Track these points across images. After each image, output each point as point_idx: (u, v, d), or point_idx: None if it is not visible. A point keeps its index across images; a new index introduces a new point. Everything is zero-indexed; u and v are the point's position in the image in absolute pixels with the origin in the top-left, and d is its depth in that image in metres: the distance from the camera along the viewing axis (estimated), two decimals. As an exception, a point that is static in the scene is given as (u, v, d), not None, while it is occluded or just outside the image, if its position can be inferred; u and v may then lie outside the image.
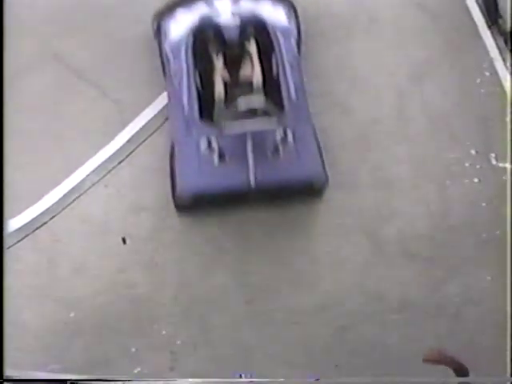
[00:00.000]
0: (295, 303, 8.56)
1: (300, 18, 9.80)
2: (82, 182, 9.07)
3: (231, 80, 8.87)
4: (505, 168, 9.52)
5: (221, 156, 8.57)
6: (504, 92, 10.03)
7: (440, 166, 9.40)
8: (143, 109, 9.51)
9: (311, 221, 9.08)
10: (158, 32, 9.51)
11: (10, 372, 5.43)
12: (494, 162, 9.55)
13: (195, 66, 8.99)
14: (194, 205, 8.76)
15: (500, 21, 10.44)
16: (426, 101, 9.83)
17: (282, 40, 9.17)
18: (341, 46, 10.13)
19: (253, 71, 8.81)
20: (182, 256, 8.79)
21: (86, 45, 9.87)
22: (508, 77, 10.09)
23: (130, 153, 9.28)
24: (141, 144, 9.34)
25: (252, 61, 8.89)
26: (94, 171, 9.13)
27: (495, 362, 8.35)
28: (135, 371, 8.20)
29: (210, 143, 8.56)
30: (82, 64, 9.76)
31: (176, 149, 8.77)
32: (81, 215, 8.98)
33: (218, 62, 8.91)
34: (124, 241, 8.83)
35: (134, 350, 8.33)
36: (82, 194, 9.04)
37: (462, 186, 9.35)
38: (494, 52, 10.35)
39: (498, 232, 9.09)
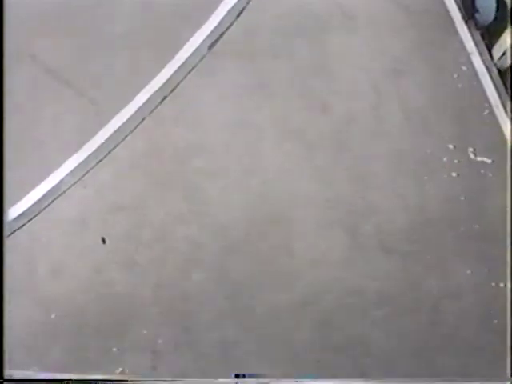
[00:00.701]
0: (275, 299, 8.58)
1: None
2: (60, 183, 9.03)
3: None
4: (483, 162, 9.55)
5: None
6: (481, 86, 10.07)
7: (417, 161, 9.42)
8: (120, 108, 9.47)
9: (289, 216, 9.10)
10: None
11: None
12: (471, 156, 9.58)
13: None
14: None
15: (477, 15, 10.46)
16: (402, 96, 9.84)
17: None
18: (316, 43, 10.11)
19: None
20: (160, 255, 8.80)
21: (62, 45, 9.80)
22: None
23: (108, 153, 9.25)
24: (119, 144, 9.32)
25: None
26: (71, 172, 9.09)
27: (476, 355, 8.45)
28: (117, 371, 8.21)
29: None
30: (58, 64, 9.70)
31: None
32: (59, 216, 8.94)
33: None
34: (104, 241, 8.82)
35: (115, 350, 8.33)
36: (60, 195, 9.00)
37: (440, 180, 9.38)
38: (470, 46, 10.36)
39: (477, 226, 9.14)
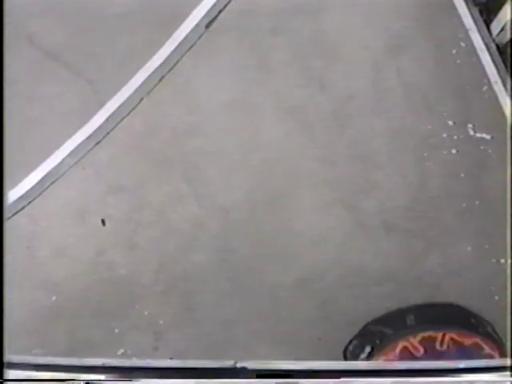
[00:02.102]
0: (277, 278, 8.58)
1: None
2: (59, 165, 8.98)
3: None
4: (482, 138, 9.54)
5: None
6: (480, 62, 10.03)
7: (417, 138, 9.38)
8: (119, 89, 9.40)
9: (290, 196, 9.07)
10: None
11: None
12: (471, 132, 9.56)
13: None
14: None
15: (475, -9, 10.47)
16: (401, 73, 9.79)
17: None
18: (316, 21, 10.03)
19: None
20: (161, 235, 8.79)
21: (60, 25, 9.73)
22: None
23: (107, 133, 9.22)
24: (118, 124, 9.29)
25: None
26: (70, 154, 9.03)
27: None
28: (119, 352, 8.22)
29: None
30: (56, 45, 9.63)
31: None
32: (59, 199, 8.92)
33: None
34: (103, 222, 8.81)
35: (116, 331, 8.33)
36: (59, 178, 8.97)
37: (440, 157, 9.35)
38: (468, 23, 10.29)
39: (477, 202, 9.12)
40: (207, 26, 9.86)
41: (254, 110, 9.46)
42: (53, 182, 8.97)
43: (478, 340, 8.42)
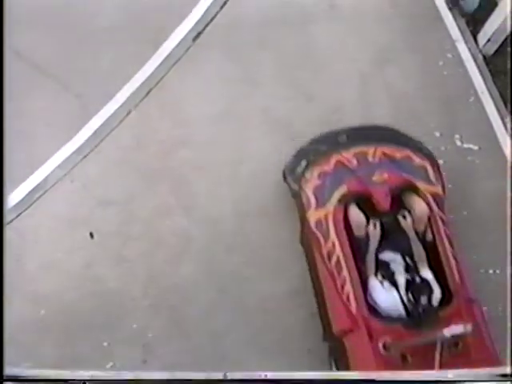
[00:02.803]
0: (266, 290, 8.61)
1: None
2: (47, 177, 8.97)
3: None
4: (470, 148, 9.57)
5: None
6: (466, 73, 10.08)
7: (404, 149, 9.41)
8: (106, 102, 9.42)
9: (277, 206, 9.09)
10: None
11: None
12: (458, 143, 9.61)
13: None
14: None
15: (461, 3, 10.49)
16: (388, 85, 9.84)
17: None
18: (302, 34, 10.08)
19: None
20: (150, 248, 8.79)
21: (47, 40, 9.72)
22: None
23: (95, 146, 9.22)
24: (105, 137, 9.28)
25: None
26: (58, 166, 9.03)
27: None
28: (108, 366, 8.19)
29: None
30: (43, 59, 9.62)
31: None
32: (47, 211, 8.91)
33: None
34: (91, 235, 8.80)
35: (105, 344, 8.33)
36: (47, 190, 8.97)
37: (428, 168, 9.39)
38: (455, 34, 10.36)
39: (465, 213, 9.15)
40: (194, 40, 9.86)
41: (241, 123, 9.49)
42: (41, 195, 8.95)
43: (408, 153, 8.66)
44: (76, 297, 8.49)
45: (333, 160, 8.48)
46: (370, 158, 8.44)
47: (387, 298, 7.70)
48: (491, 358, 7.43)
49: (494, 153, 9.63)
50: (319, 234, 8.12)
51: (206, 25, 9.92)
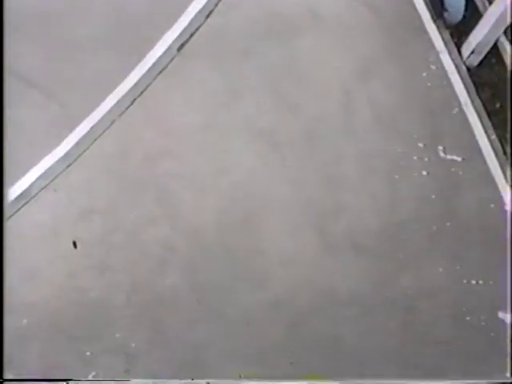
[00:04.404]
0: (247, 301, 8.61)
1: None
2: (30, 187, 8.95)
3: None
4: (453, 160, 9.61)
5: None
6: (450, 84, 10.12)
7: (388, 161, 9.46)
8: (90, 111, 9.42)
9: (260, 218, 9.11)
10: None
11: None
12: (441, 154, 9.64)
13: None
14: None
15: (445, 14, 10.53)
16: (372, 96, 9.86)
17: None
18: (286, 44, 10.08)
19: None
20: (133, 258, 8.78)
21: (31, 49, 9.70)
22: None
23: (79, 156, 9.21)
24: (89, 147, 9.28)
25: None
26: (42, 176, 9.01)
27: (452, 354, 8.50)
28: (90, 376, 8.20)
29: None
30: (28, 68, 9.60)
31: None
32: (30, 221, 8.86)
33: None
34: (75, 245, 8.79)
35: (88, 354, 8.30)
36: (30, 200, 8.95)
37: (411, 179, 9.42)
38: (439, 45, 10.41)
39: (448, 224, 9.20)
40: (179, 49, 9.88)
41: (225, 133, 9.49)
42: (24, 204, 8.93)
43: None
44: (59, 306, 8.46)
45: None
46: None
47: None
48: None
49: (477, 164, 9.68)
50: None
51: (191, 35, 9.94)
